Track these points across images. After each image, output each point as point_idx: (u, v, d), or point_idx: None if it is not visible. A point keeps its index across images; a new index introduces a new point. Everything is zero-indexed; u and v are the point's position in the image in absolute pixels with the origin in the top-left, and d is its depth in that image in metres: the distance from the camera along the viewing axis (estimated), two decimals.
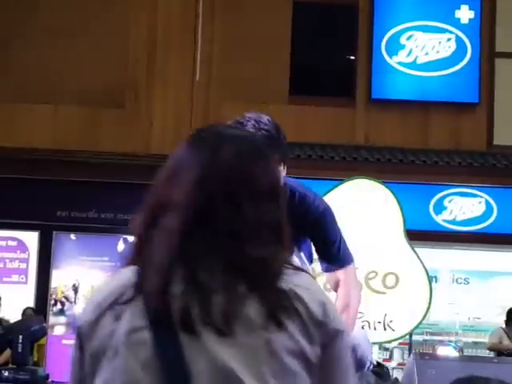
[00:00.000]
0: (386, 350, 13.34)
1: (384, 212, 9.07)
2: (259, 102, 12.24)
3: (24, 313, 11.69)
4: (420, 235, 10.79)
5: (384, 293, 8.79)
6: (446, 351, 9.02)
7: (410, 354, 12.49)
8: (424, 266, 8.92)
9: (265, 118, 3.04)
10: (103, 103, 12.34)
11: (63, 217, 12.92)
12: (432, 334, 13.67)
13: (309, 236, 3.47)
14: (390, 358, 13.27)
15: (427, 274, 8.95)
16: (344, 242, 3.50)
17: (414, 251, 8.96)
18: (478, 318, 14.13)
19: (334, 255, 3.46)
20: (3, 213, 12.39)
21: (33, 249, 13.12)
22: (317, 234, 3.44)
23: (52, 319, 12.68)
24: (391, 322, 8.68)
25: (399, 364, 12.79)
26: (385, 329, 8.69)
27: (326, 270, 3.55)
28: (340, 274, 3.50)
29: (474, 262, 13.74)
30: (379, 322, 8.68)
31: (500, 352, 10.31)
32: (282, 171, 3.07)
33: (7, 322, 11.86)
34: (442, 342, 11.81)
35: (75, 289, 12.78)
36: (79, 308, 12.66)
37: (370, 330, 8.66)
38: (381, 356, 13.23)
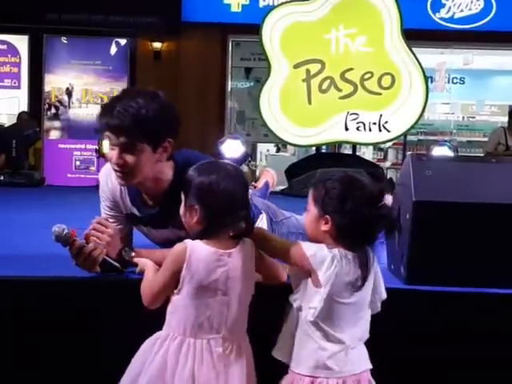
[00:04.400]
0: (381, 150, 13.46)
1: (380, 10, 8.84)
2: None
3: (19, 117, 11.66)
4: (416, 34, 10.55)
5: (380, 93, 8.71)
6: (441, 151, 9.02)
7: (404, 155, 12.62)
8: (421, 66, 8.79)
9: (129, 105, 2.78)
10: None
11: (53, 19, 12.58)
12: (427, 133, 13.75)
13: None
14: (385, 159, 13.41)
15: (424, 73, 8.83)
16: None
17: (411, 50, 8.80)
18: (473, 118, 14.17)
19: None
20: None
21: (24, 53, 12.91)
22: None
23: (47, 124, 12.64)
24: (386, 123, 8.64)
25: (393, 164, 12.94)
26: (380, 130, 8.67)
27: None
28: None
29: (471, 61, 13.60)
30: (374, 124, 8.65)
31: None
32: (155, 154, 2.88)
33: (2, 126, 11.86)
34: (436, 142, 11.85)
35: (69, 93, 12.66)
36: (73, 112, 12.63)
37: (366, 131, 8.66)
38: (375, 157, 13.38)
